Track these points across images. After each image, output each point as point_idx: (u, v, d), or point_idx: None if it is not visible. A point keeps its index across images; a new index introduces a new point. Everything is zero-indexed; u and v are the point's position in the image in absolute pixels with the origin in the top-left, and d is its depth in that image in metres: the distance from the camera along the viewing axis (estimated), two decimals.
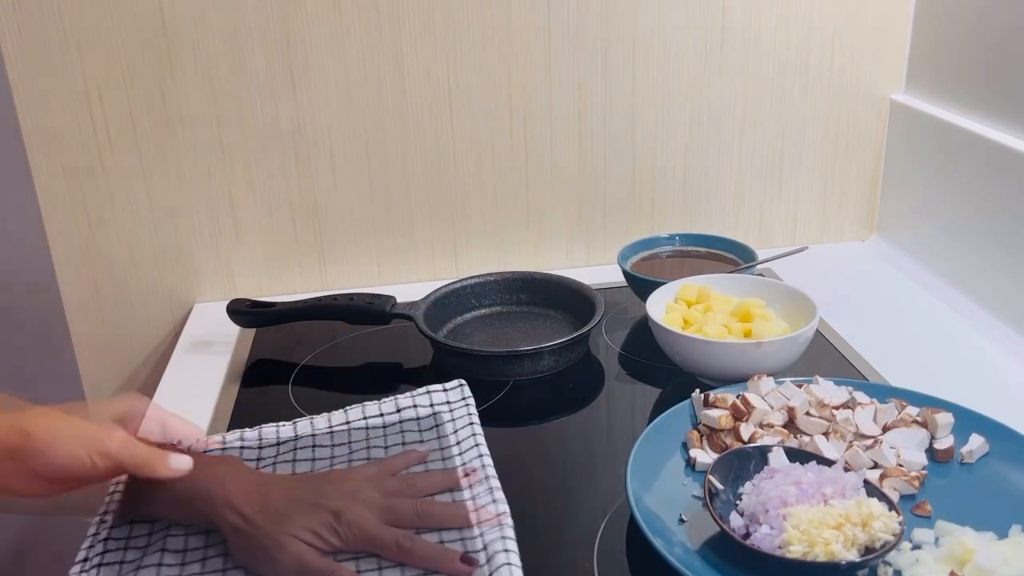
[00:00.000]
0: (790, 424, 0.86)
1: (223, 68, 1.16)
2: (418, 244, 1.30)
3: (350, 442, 0.87)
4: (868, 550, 0.69)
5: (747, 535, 0.71)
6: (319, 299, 1.13)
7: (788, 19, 1.26)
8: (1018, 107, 1.08)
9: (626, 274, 1.15)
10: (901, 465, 0.81)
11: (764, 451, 0.79)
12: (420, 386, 0.93)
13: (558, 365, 1.05)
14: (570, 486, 0.86)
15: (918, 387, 0.91)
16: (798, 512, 0.70)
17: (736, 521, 0.73)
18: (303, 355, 1.12)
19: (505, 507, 0.75)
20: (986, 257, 1.13)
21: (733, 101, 1.29)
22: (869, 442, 0.83)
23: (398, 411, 0.90)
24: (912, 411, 0.87)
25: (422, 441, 0.86)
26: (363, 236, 1.28)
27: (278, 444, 0.87)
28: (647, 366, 1.06)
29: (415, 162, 1.25)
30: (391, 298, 1.11)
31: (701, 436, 0.86)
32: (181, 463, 0.73)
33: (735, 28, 1.25)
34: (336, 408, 0.92)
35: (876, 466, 0.81)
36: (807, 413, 0.86)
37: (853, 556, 0.68)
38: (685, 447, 0.86)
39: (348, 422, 0.90)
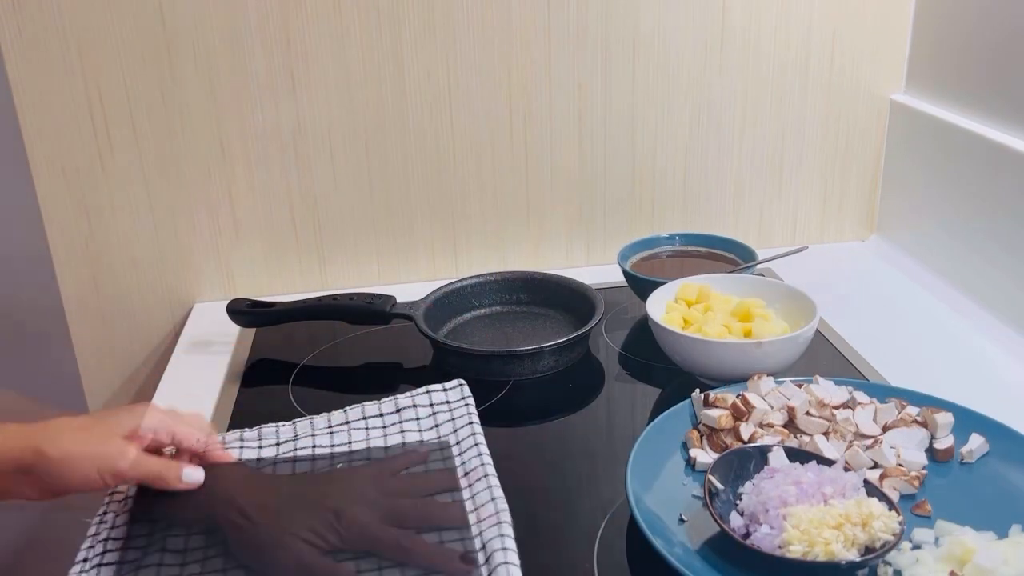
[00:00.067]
0: (790, 424, 0.86)
1: (223, 68, 1.16)
2: (418, 244, 1.30)
3: (350, 442, 0.87)
4: (868, 550, 0.69)
5: (747, 535, 0.71)
6: (319, 299, 1.13)
7: (788, 19, 1.26)
8: (1018, 107, 1.08)
9: (626, 274, 1.15)
10: (901, 465, 0.81)
11: (764, 451, 0.79)
12: (420, 386, 0.93)
13: (558, 365, 1.05)
14: (570, 486, 0.86)
15: (918, 387, 0.91)
16: (798, 512, 0.70)
17: (736, 521, 0.73)
18: (303, 355, 1.12)
19: (505, 507, 0.75)
20: (986, 257, 1.13)
21: (733, 101, 1.29)
22: (869, 442, 0.83)
23: (398, 411, 0.90)
24: (912, 411, 0.87)
25: (422, 441, 0.86)
26: (363, 236, 1.28)
27: (278, 444, 0.87)
28: (647, 366, 1.06)
29: (415, 162, 1.25)
30: (391, 298, 1.11)
31: (701, 436, 0.86)
32: (193, 476, 0.75)
33: (735, 28, 1.25)
34: (336, 408, 0.92)
35: (876, 466, 0.81)
36: (807, 413, 0.86)
37: (853, 556, 0.68)
38: (685, 447, 0.86)
39: (348, 422, 0.90)
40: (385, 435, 0.87)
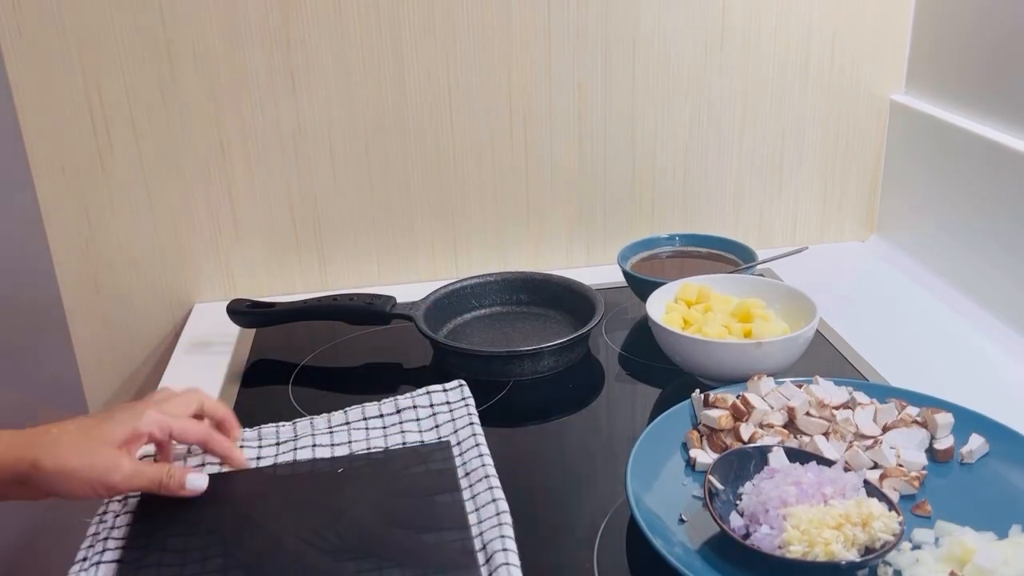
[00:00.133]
0: (790, 424, 0.86)
1: (223, 68, 1.16)
2: (418, 244, 1.30)
3: (350, 442, 0.87)
4: (868, 550, 0.69)
5: (747, 535, 0.71)
6: (319, 299, 1.13)
7: (788, 19, 1.26)
8: (1018, 107, 1.08)
9: (626, 274, 1.15)
10: (901, 465, 0.81)
11: (764, 451, 0.79)
12: (420, 386, 0.93)
13: (558, 365, 1.05)
14: (570, 486, 0.86)
15: (918, 387, 0.91)
16: (798, 512, 0.70)
17: (736, 521, 0.73)
18: (303, 355, 1.12)
19: (505, 507, 0.75)
20: (986, 257, 1.13)
21: (733, 101, 1.29)
22: (869, 442, 0.83)
23: (398, 412, 0.90)
24: (912, 411, 0.87)
25: (422, 442, 0.86)
26: (363, 236, 1.28)
27: (278, 444, 0.87)
28: (647, 366, 1.06)
29: (415, 162, 1.25)
30: (391, 298, 1.11)
31: (701, 436, 0.86)
32: (197, 483, 0.75)
33: (735, 28, 1.25)
34: (336, 409, 0.92)
35: (876, 466, 0.81)
36: (807, 413, 0.86)
37: (853, 556, 0.68)
38: (685, 447, 0.86)
39: (348, 423, 0.90)
40: (385, 435, 0.87)
